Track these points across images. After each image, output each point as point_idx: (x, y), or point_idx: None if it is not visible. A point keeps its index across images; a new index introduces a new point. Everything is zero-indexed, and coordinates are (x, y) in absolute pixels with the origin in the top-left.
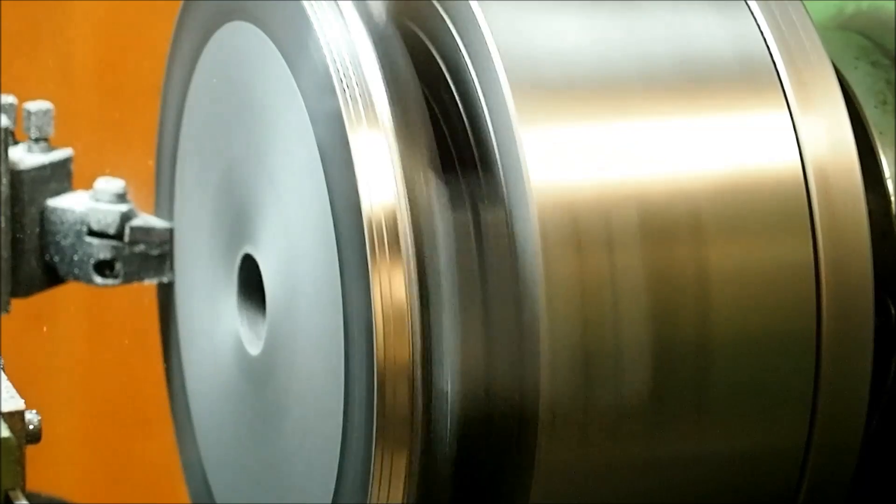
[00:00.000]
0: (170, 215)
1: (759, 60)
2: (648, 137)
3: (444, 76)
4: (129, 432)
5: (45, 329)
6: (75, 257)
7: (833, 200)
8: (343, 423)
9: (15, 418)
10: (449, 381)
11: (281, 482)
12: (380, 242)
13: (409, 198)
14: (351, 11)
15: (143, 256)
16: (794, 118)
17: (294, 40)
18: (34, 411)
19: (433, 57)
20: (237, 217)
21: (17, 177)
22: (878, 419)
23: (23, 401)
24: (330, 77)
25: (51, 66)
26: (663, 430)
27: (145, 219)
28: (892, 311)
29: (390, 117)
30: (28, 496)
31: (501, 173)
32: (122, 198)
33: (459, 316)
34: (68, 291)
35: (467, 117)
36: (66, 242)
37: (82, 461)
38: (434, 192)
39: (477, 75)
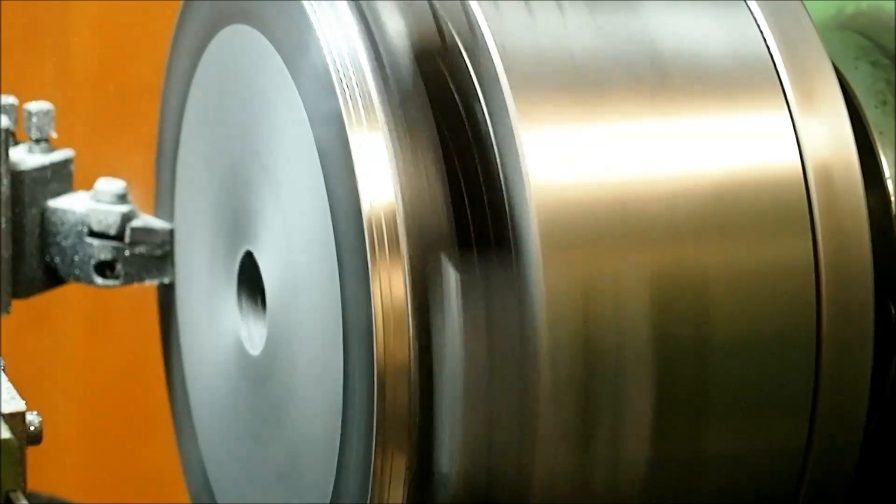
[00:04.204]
0: (170, 216)
1: (759, 60)
2: (648, 137)
3: (444, 76)
4: (130, 432)
5: (45, 329)
6: (76, 258)
7: (833, 200)
8: (342, 423)
9: (16, 419)
10: (449, 380)
11: (281, 482)
12: (380, 242)
13: (408, 198)
14: (351, 12)
15: (143, 257)
16: (794, 118)
17: (294, 41)
18: (35, 412)
19: (433, 57)
20: (237, 218)
21: (17, 177)
22: (878, 419)
23: (24, 402)
24: (330, 77)
25: (51, 66)
26: (664, 429)
27: (146, 219)
28: (892, 311)
29: (390, 117)
30: (28, 496)
31: (501, 173)
32: (122, 198)
33: (459, 315)
34: (68, 292)
35: (467, 117)
36: (66, 243)
37: (82, 461)
38: (434, 191)
39: (477, 75)
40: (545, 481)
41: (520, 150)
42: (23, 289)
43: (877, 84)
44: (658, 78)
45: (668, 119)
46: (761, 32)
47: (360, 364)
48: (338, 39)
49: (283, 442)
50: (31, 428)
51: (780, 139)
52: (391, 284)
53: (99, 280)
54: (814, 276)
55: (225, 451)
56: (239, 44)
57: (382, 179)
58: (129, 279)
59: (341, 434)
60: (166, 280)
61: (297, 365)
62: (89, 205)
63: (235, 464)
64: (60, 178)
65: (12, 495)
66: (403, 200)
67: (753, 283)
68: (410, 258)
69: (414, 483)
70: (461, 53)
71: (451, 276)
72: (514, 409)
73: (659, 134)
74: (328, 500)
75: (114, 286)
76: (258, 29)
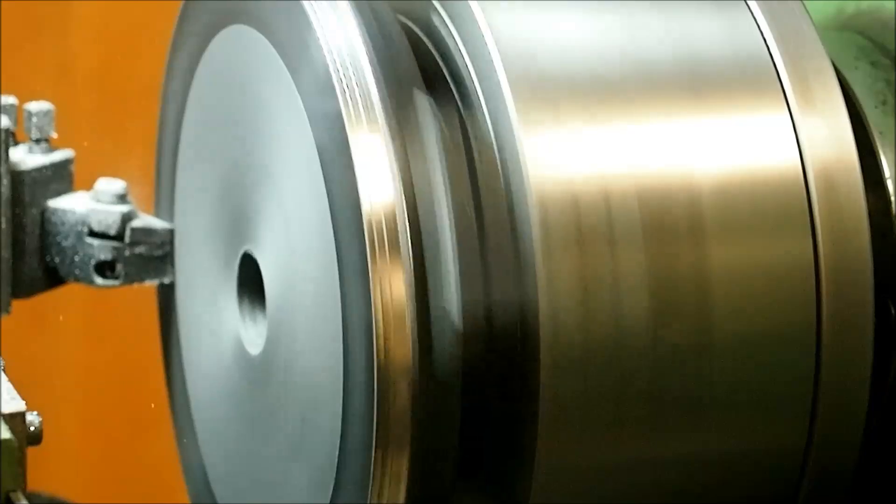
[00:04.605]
0: (170, 216)
1: (759, 60)
2: (648, 137)
3: (445, 76)
4: (129, 432)
5: (45, 330)
6: (76, 258)
7: (833, 200)
8: (343, 422)
9: (16, 420)
10: (449, 380)
11: (281, 482)
12: (380, 242)
13: (408, 198)
14: (351, 12)
15: (143, 257)
16: (794, 118)
17: (294, 42)
18: (35, 412)
19: (433, 57)
20: (237, 218)
21: (17, 178)
22: (878, 419)
23: (24, 402)
24: (330, 78)
25: (51, 66)
26: (663, 429)
27: (146, 219)
28: (892, 311)
29: (390, 117)
30: (28, 496)
31: (502, 173)
32: (122, 198)
33: (460, 316)
34: (68, 292)
35: (467, 117)
36: (66, 243)
37: (82, 461)
38: (434, 191)
39: (477, 75)
40: (544, 480)
41: (520, 150)
42: (23, 289)
43: (877, 84)
44: (657, 77)
45: (668, 118)
46: (761, 32)
47: (360, 364)
48: (338, 39)
49: (282, 442)
50: (32, 428)
51: (780, 139)
52: (391, 284)
53: (99, 280)
54: (814, 276)
55: (225, 450)
56: (239, 44)
57: (382, 179)
58: (129, 279)
59: (341, 434)
60: (166, 280)
61: (297, 365)
62: (89, 205)
63: (235, 464)
64: (60, 178)
65: (12, 495)
66: (403, 200)
67: (753, 282)
68: (410, 258)
69: (414, 483)
70: (461, 53)
71: (452, 276)
72: (513, 409)
73: (659, 133)
74: (328, 500)
75: (114, 286)
76: (258, 29)
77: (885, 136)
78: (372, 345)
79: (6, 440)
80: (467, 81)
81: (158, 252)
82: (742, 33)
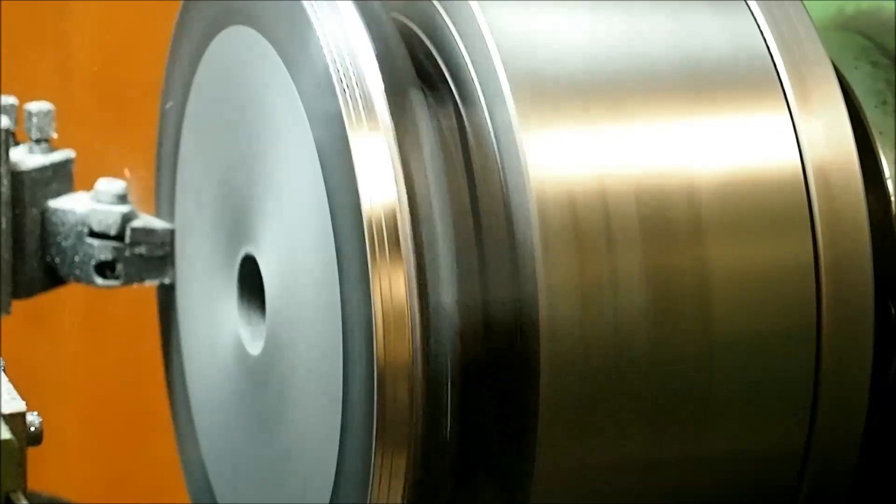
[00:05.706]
0: (170, 216)
1: (759, 60)
2: (648, 137)
3: (445, 76)
4: (130, 432)
5: (45, 330)
6: (76, 258)
7: (833, 200)
8: (342, 422)
9: (16, 420)
10: (449, 380)
11: (281, 482)
12: (380, 242)
13: (409, 198)
14: (351, 12)
15: (144, 257)
16: (794, 118)
17: (294, 42)
18: (35, 413)
19: (433, 57)
20: (237, 218)
21: (18, 178)
22: (878, 419)
23: (24, 402)
24: (330, 78)
25: (51, 66)
26: (664, 430)
27: (146, 220)
28: (892, 311)
29: (390, 117)
30: (29, 496)
31: (502, 173)
32: (123, 199)
33: (460, 316)
34: (69, 292)
35: (467, 117)
36: (66, 243)
37: (82, 461)
38: (434, 191)
39: (477, 75)
40: (544, 481)
41: (520, 149)
42: (23, 289)
43: (877, 84)
44: (657, 77)
45: (668, 118)
46: (761, 32)
47: (360, 364)
48: (338, 39)
49: (282, 442)
50: (32, 428)
51: (779, 139)
52: (391, 284)
53: (99, 280)
54: (814, 276)
55: (225, 451)
56: (239, 45)
57: (382, 179)
58: (129, 279)
59: (341, 434)
60: (166, 280)
61: (297, 365)
62: (90, 205)
63: (235, 464)
64: (61, 178)
65: (12, 495)
66: (403, 200)
67: (753, 282)
68: (411, 258)
69: (414, 483)
70: (461, 53)
71: (451, 275)
72: (513, 409)
73: (658, 133)
74: (328, 500)
75: (114, 286)
76: (258, 30)
77: (885, 136)
78: (372, 345)
79: (6, 440)
80: (467, 81)
81: (158, 252)
82: (742, 33)
